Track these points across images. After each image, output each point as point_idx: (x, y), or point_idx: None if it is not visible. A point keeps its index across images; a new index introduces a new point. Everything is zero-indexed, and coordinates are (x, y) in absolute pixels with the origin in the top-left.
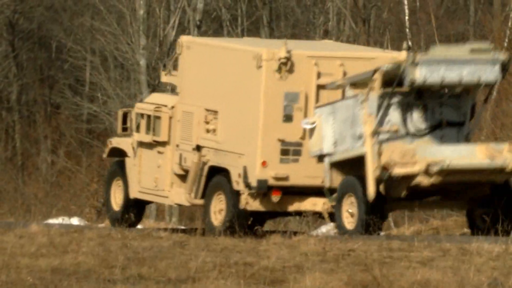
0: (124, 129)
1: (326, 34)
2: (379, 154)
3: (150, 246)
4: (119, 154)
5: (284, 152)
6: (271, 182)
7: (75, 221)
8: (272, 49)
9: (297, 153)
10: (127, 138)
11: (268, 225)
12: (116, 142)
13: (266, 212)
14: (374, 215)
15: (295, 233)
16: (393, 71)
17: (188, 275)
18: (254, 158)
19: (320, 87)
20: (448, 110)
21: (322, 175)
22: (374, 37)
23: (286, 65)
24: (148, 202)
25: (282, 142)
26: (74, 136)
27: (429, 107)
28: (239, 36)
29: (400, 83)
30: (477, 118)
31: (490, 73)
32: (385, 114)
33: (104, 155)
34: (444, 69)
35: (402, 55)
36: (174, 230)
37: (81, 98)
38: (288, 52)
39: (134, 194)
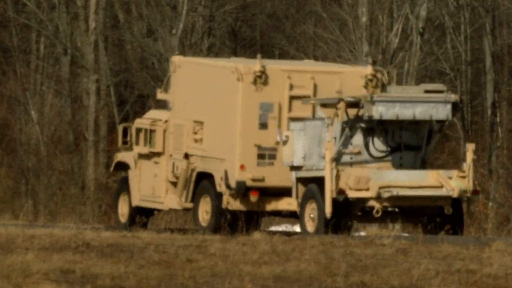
0: (125, 142)
1: None
2: (337, 178)
3: (373, 253)
4: (123, 167)
5: (261, 156)
6: (249, 183)
7: (298, 228)
8: (249, 64)
9: (272, 157)
10: (130, 152)
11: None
12: (121, 156)
13: (253, 211)
14: (331, 224)
15: None
16: (355, 102)
17: (410, 283)
18: (233, 162)
19: (292, 98)
20: (407, 134)
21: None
22: None
23: (261, 78)
24: (148, 210)
25: (259, 147)
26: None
27: (390, 131)
28: (461, 44)
29: (360, 116)
30: (433, 144)
31: (441, 112)
32: (348, 137)
33: (111, 169)
34: (399, 107)
35: (368, 69)
36: (397, 237)
37: None
38: (263, 66)
39: (135, 202)
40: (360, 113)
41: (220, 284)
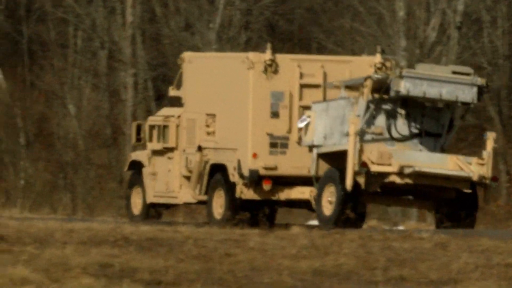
0: (138, 139)
1: None
2: (360, 151)
3: (412, 247)
4: (137, 166)
5: (273, 145)
6: (262, 172)
7: None
8: (258, 52)
9: (285, 145)
10: (143, 151)
11: None
12: (134, 155)
13: (268, 201)
14: (350, 204)
15: None
16: (382, 80)
17: (449, 277)
18: (246, 151)
19: (303, 86)
20: (428, 121)
21: (307, 166)
22: None
23: (272, 67)
24: (162, 205)
25: (271, 136)
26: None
27: (412, 116)
28: (499, 38)
29: (387, 92)
30: (453, 132)
31: (467, 94)
32: (372, 117)
33: (125, 168)
34: (426, 85)
35: (376, 58)
36: (435, 231)
37: None
38: (273, 55)
39: (150, 199)
40: (385, 93)
41: (259, 278)
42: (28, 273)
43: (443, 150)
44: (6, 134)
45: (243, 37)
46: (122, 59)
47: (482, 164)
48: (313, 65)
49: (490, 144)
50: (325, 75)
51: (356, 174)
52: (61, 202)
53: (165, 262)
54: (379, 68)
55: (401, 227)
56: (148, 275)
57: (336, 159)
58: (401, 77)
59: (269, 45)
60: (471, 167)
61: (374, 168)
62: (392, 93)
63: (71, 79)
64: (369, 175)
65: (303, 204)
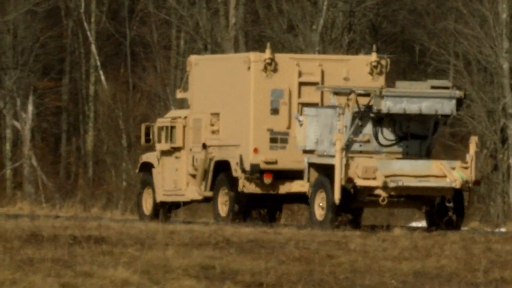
0: (147, 140)
1: None
2: (346, 167)
3: None
4: (148, 167)
5: (273, 140)
6: (263, 166)
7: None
8: (258, 52)
9: (284, 141)
10: (153, 153)
11: None
12: (145, 157)
13: (268, 195)
14: (341, 210)
15: None
16: (365, 94)
17: None
18: (247, 146)
19: (301, 84)
20: (414, 125)
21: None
22: None
23: (271, 65)
24: (172, 203)
25: (271, 131)
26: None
27: (398, 121)
28: None
29: (370, 108)
30: (438, 134)
31: (446, 107)
32: (359, 126)
33: (136, 170)
34: (406, 102)
35: (372, 57)
36: None
37: None
38: (272, 54)
39: (159, 198)
40: (371, 103)
41: (360, 280)
42: (129, 274)
43: (429, 151)
44: (108, 136)
45: (346, 39)
46: None
47: (466, 168)
48: (312, 64)
49: (472, 147)
50: (323, 73)
51: (343, 188)
52: None
53: (266, 264)
54: (375, 66)
55: (503, 229)
56: (249, 277)
57: (325, 169)
58: (381, 96)
59: (268, 45)
60: (454, 173)
61: (359, 182)
62: (374, 111)
63: (173, 81)
64: (356, 189)
65: (304, 198)
